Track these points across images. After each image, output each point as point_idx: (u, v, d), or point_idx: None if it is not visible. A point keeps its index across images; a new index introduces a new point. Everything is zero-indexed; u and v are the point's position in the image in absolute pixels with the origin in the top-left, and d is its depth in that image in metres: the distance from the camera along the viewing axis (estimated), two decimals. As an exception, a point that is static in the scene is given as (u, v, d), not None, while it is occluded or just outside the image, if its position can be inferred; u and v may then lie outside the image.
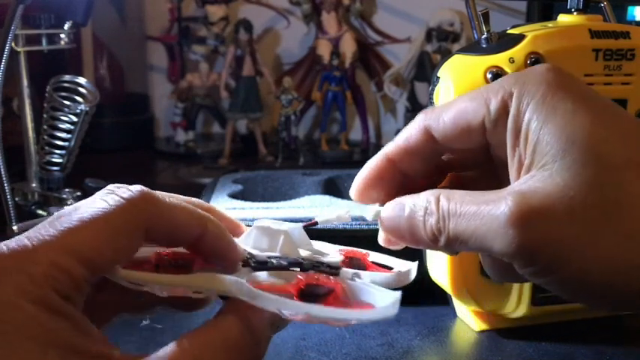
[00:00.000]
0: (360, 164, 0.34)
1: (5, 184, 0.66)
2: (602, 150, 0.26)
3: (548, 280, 0.27)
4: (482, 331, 0.50)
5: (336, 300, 0.28)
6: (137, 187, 0.28)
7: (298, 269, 0.30)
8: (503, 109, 0.29)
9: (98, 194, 0.29)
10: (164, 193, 0.31)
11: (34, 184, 0.74)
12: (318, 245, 0.34)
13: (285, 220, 0.57)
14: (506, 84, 0.29)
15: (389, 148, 0.32)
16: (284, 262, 0.30)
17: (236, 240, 0.31)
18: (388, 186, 0.32)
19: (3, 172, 0.66)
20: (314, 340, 0.48)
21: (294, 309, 0.27)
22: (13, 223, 0.67)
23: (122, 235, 0.26)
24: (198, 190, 0.70)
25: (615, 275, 0.26)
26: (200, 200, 0.33)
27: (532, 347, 0.48)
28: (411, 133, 0.31)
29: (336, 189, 0.73)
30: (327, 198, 0.64)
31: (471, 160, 0.32)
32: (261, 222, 0.32)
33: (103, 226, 0.26)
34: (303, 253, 0.32)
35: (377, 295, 0.29)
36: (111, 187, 0.30)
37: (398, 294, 0.28)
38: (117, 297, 0.30)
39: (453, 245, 0.29)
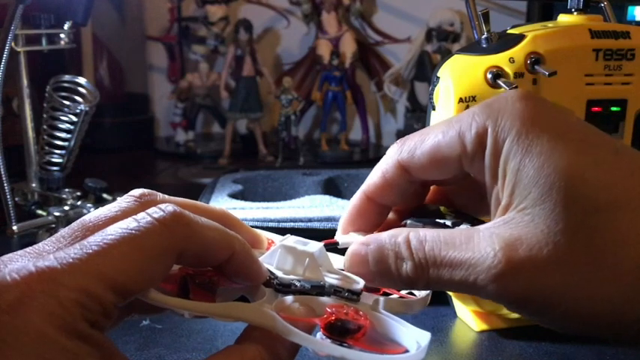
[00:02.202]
0: (360, 164, 0.34)
1: (5, 184, 0.66)
2: (583, 192, 0.25)
3: (537, 319, 0.28)
4: (482, 332, 0.50)
5: (365, 337, 0.28)
6: (169, 208, 0.27)
7: (321, 295, 0.30)
8: (479, 145, 0.28)
9: (122, 203, 0.28)
10: (187, 201, 0.31)
11: (34, 184, 0.74)
12: (338, 261, 0.34)
13: (286, 220, 0.58)
14: (479, 117, 0.28)
15: (367, 187, 0.33)
16: (307, 286, 0.30)
17: (259, 257, 0.31)
18: (369, 220, 0.33)
19: (3, 172, 0.66)
20: (314, 340, 0.48)
21: (328, 351, 0.27)
22: (13, 223, 0.67)
23: (153, 259, 0.25)
24: (198, 190, 0.70)
25: (605, 316, 0.26)
26: (221, 209, 0.33)
27: (532, 347, 0.48)
28: (386, 169, 0.32)
29: (336, 189, 0.73)
30: (327, 198, 0.64)
31: (449, 181, 0.32)
32: (286, 241, 0.32)
33: (133, 250, 0.25)
34: (326, 275, 0.32)
35: (406, 333, 0.29)
36: (135, 193, 0.29)
37: (428, 336, 0.28)
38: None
39: (432, 288, 0.29)
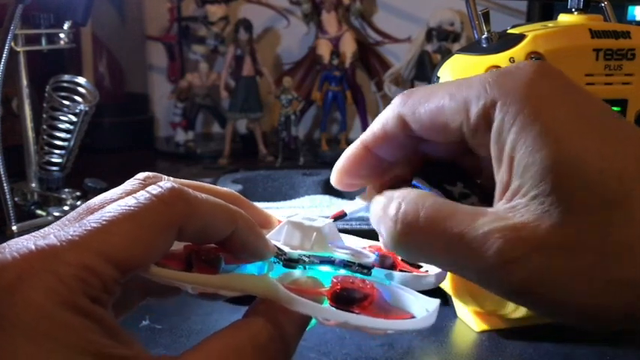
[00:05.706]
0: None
1: (5, 184, 0.66)
2: (600, 185, 0.24)
3: (533, 309, 0.27)
4: (482, 332, 0.50)
5: (372, 305, 0.28)
6: (168, 184, 0.27)
7: (330, 268, 0.30)
8: (484, 119, 0.26)
9: (127, 185, 0.28)
10: (193, 182, 0.30)
11: (33, 184, 0.74)
12: (349, 240, 0.33)
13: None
14: (490, 88, 0.26)
15: (366, 137, 0.31)
16: (315, 261, 0.30)
17: (267, 235, 0.30)
18: (366, 173, 0.32)
19: (3, 172, 0.66)
20: (314, 341, 0.48)
21: (331, 317, 0.26)
22: (13, 223, 0.67)
23: (152, 235, 0.25)
24: (198, 190, 0.69)
25: (605, 317, 0.25)
26: (229, 190, 0.33)
27: (532, 347, 0.48)
28: (387, 120, 0.30)
29: (336, 189, 0.73)
30: (327, 198, 0.64)
31: (451, 149, 0.31)
32: (293, 217, 0.32)
33: (131, 226, 0.25)
34: (334, 250, 0.31)
35: (414, 301, 0.28)
36: (140, 176, 0.29)
37: (436, 303, 0.28)
38: (144, 282, 0.28)
39: (417, 261, 0.29)
